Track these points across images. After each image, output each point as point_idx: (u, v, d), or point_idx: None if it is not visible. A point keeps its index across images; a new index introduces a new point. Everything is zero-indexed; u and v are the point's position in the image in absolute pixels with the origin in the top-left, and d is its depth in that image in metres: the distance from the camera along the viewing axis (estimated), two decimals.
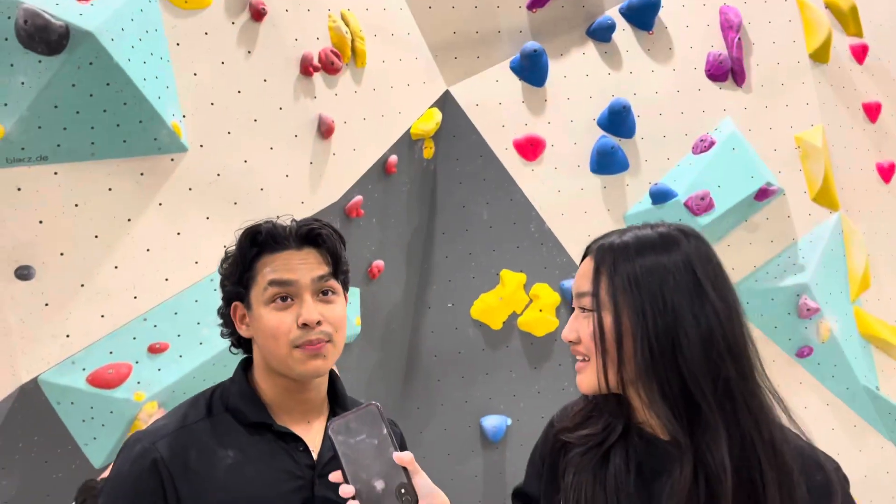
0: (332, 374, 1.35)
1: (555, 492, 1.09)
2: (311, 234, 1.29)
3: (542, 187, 4.35)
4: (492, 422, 4.18)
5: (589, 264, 1.05)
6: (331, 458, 1.23)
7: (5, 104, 2.67)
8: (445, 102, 4.22)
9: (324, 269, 1.28)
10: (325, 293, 1.28)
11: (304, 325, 1.22)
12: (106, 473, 2.18)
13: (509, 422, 4.20)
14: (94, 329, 2.88)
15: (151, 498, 1.17)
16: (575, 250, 4.31)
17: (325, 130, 3.50)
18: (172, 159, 3.11)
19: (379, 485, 1.06)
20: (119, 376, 2.82)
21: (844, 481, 0.98)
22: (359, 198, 3.64)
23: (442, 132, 4.23)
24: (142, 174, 3.05)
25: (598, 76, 4.41)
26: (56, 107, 2.72)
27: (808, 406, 4.33)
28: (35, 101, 2.67)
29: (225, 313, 1.33)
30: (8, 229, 2.79)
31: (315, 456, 1.27)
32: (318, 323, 1.23)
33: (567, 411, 1.15)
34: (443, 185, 4.32)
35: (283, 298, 1.24)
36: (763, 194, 4.26)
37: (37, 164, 2.82)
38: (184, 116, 3.14)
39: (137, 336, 2.92)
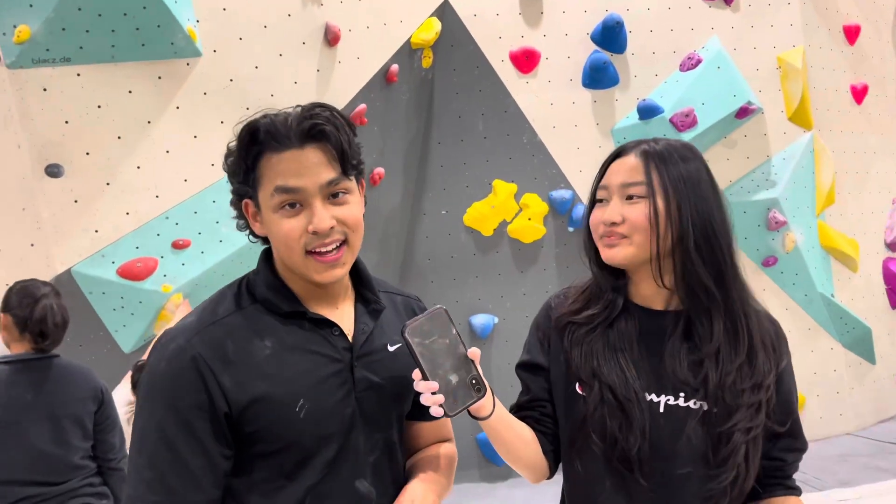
0: (358, 262, 1.28)
1: (562, 361, 1.30)
2: (313, 130, 1.12)
3: (535, 100, 4.51)
4: (480, 320, 4.50)
5: (635, 161, 1.24)
6: (366, 337, 1.22)
7: (31, 5, 2.74)
8: (444, 12, 4.29)
9: (332, 173, 1.13)
10: (336, 195, 1.14)
11: (314, 233, 1.12)
12: (145, 356, 2.41)
13: (496, 320, 4.52)
14: (120, 225, 3.07)
15: (194, 395, 1.09)
16: (564, 162, 4.52)
17: (331, 38, 3.60)
18: (188, 63, 3.22)
19: (454, 378, 1.13)
20: (147, 269, 3.03)
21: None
22: (363, 106, 3.78)
23: (440, 42, 4.33)
24: (160, 77, 3.16)
25: None
26: (79, 9, 2.80)
27: (769, 311, 4.71)
28: (60, 3, 2.74)
29: (238, 207, 1.20)
30: (37, 128, 2.91)
31: (351, 339, 1.20)
32: (330, 228, 1.13)
33: (563, 297, 1.36)
34: (440, 96, 4.46)
35: (292, 205, 1.12)
36: (743, 112, 4.47)
37: (61, 66, 2.92)
38: (198, 21, 3.22)
39: (161, 233, 3.11)
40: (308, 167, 1.12)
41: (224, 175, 1.21)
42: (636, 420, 1.20)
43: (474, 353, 1.15)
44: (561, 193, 4.50)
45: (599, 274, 1.32)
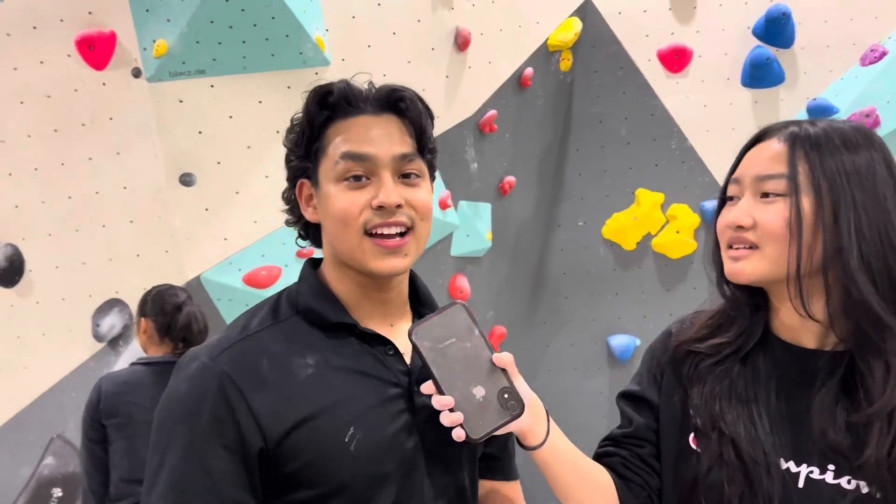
0: (410, 273, 1.11)
1: (678, 403, 1.04)
2: (391, 98, 1.04)
3: (686, 101, 4.12)
4: (619, 341, 4.17)
5: (778, 146, 0.96)
6: (423, 363, 1.00)
7: (168, 20, 2.83)
8: (586, 11, 4.03)
9: (408, 146, 1.02)
10: (408, 176, 1.02)
11: (381, 208, 0.97)
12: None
13: (638, 342, 4.17)
14: (248, 233, 3.11)
15: (215, 422, 0.90)
16: (719, 170, 4.09)
17: (461, 42, 3.47)
18: (316, 73, 3.21)
19: (479, 392, 0.91)
20: (271, 277, 3.05)
21: None
22: (493, 112, 3.62)
23: (581, 43, 4.07)
24: (288, 87, 3.17)
25: None
26: (212, 22, 2.86)
27: None
28: (194, 17, 2.81)
29: (290, 196, 1.08)
30: (172, 138, 3.02)
31: (408, 359, 1.03)
32: (399, 207, 0.98)
33: (688, 322, 1.08)
34: (579, 99, 4.19)
35: (358, 177, 0.99)
36: None
37: (195, 77, 3.00)
38: (327, 30, 3.21)
39: (286, 242, 3.11)
40: (383, 135, 1.01)
41: None
42: (762, 491, 0.92)
43: (501, 359, 0.92)
44: (714, 204, 4.06)
45: (730, 293, 1.04)
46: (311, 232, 1.12)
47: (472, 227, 3.68)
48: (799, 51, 4.09)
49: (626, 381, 4.17)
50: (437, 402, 0.91)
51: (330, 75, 3.23)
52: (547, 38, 3.89)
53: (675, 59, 4.12)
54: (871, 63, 3.98)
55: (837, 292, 0.91)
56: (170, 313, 2.29)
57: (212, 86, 3.05)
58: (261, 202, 3.13)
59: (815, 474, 0.91)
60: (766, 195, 0.94)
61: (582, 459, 1.05)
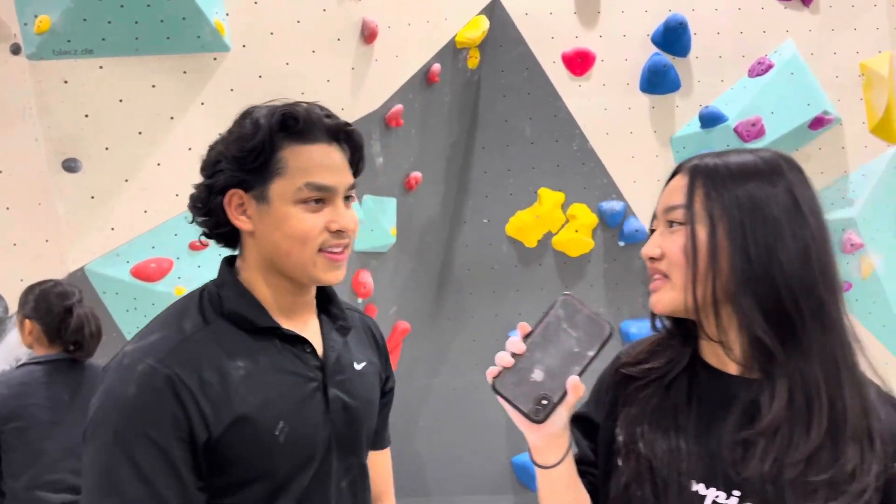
0: None
1: (611, 424, 1.07)
2: (343, 129, 1.13)
3: (588, 104, 4.24)
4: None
5: (682, 180, 1.00)
6: (337, 354, 1.17)
7: None
8: (494, 10, 4.07)
9: (351, 176, 1.14)
10: (348, 198, 1.15)
11: (338, 231, 1.10)
12: None
13: None
14: (137, 223, 2.97)
15: (171, 419, 0.99)
16: (617, 172, 4.23)
17: (368, 35, 3.43)
18: (215, 58, 3.10)
19: (537, 375, 0.94)
20: (161, 270, 2.92)
21: None
22: (399, 106, 3.60)
23: (488, 41, 4.11)
24: (185, 72, 3.04)
25: None
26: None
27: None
28: None
29: (210, 200, 1.13)
30: (56, 121, 2.84)
31: (322, 355, 1.15)
32: (348, 229, 1.13)
33: (635, 346, 1.11)
34: (486, 98, 4.24)
35: (318, 201, 1.10)
36: (818, 123, 4.08)
37: (82, 58, 2.84)
38: (227, 14, 3.10)
39: (179, 233, 2.99)
40: (338, 166, 1.12)
41: None
42: None
43: (574, 383, 0.93)
44: (612, 205, 4.21)
45: (660, 324, 1.06)
46: (223, 238, 1.19)
47: (376, 221, 3.66)
48: (694, 60, 4.28)
49: None
50: (512, 343, 0.97)
51: (230, 62, 3.13)
52: (455, 35, 3.90)
53: (579, 63, 4.22)
54: (758, 75, 4.21)
55: (736, 319, 0.95)
56: (58, 315, 2.14)
57: (101, 67, 2.89)
58: (152, 191, 2.99)
59: (721, 499, 0.93)
60: (671, 225, 0.97)
61: (581, 487, 1.05)
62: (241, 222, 1.13)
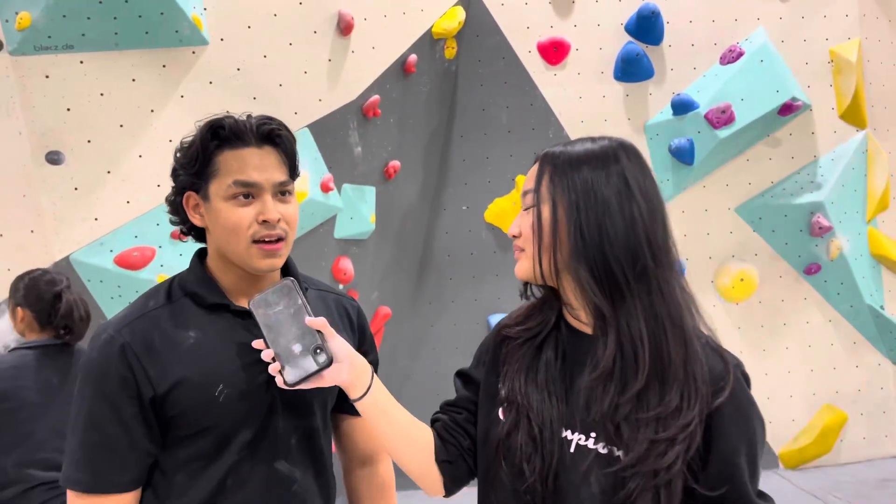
0: (288, 258, 1.38)
1: (493, 380, 1.19)
2: (271, 134, 1.26)
3: (563, 93, 4.33)
4: (498, 320, 4.36)
5: (535, 167, 1.14)
6: (256, 325, 1.25)
7: None
8: (470, 1, 4.16)
9: (284, 174, 1.27)
10: (283, 194, 1.27)
11: (265, 222, 1.23)
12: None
13: None
14: (120, 214, 3.06)
15: (120, 379, 1.20)
16: None
17: (344, 27, 3.51)
18: (194, 52, 3.18)
19: (296, 348, 1.14)
20: (144, 259, 3.02)
21: (744, 377, 1.07)
22: (376, 97, 3.69)
23: (465, 32, 4.19)
24: (164, 66, 3.13)
25: None
26: None
27: (809, 321, 4.42)
28: None
29: (175, 201, 1.30)
30: (38, 115, 2.92)
31: None
32: (278, 220, 1.24)
33: (514, 312, 1.23)
34: (463, 87, 4.32)
35: (246, 196, 1.23)
36: (787, 109, 4.18)
37: (63, 53, 2.92)
38: (205, 9, 3.18)
39: (161, 222, 3.08)
40: (266, 165, 1.26)
41: None
42: (546, 453, 1.07)
43: (313, 322, 1.13)
44: None
45: (530, 291, 1.20)
46: (194, 232, 1.34)
47: (355, 209, 3.75)
48: (667, 48, 4.37)
49: None
50: (263, 355, 1.16)
51: (209, 55, 3.21)
52: (431, 26, 3.98)
53: (554, 52, 4.31)
54: (729, 62, 4.30)
55: (575, 285, 1.08)
56: (48, 302, 2.23)
57: (81, 62, 2.97)
58: (134, 182, 3.08)
59: (582, 441, 1.06)
60: (527, 208, 1.09)
61: (402, 415, 1.20)
62: (196, 219, 1.29)
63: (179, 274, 1.34)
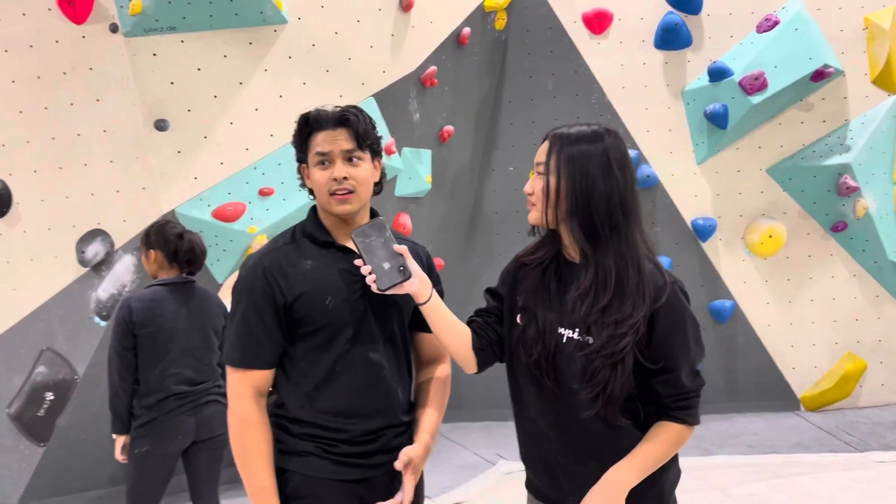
0: (373, 210, 1.80)
1: (513, 294, 1.65)
2: (342, 118, 1.68)
3: (605, 61, 4.64)
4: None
5: (546, 143, 1.57)
6: (357, 249, 1.69)
7: None
8: None
9: (351, 144, 1.67)
10: (351, 160, 1.67)
11: (335, 179, 1.65)
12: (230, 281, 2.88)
13: None
14: (215, 173, 3.53)
15: (262, 291, 1.66)
16: (631, 122, 4.65)
17: (405, 4, 3.88)
18: (275, 30, 3.60)
19: (386, 265, 1.59)
20: (236, 212, 3.50)
21: (681, 293, 1.51)
22: (433, 67, 4.07)
23: (514, 4, 4.52)
24: (250, 43, 3.56)
25: None
26: None
27: (835, 276, 4.72)
28: None
29: (298, 169, 1.78)
30: (148, 88, 3.40)
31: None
32: (345, 178, 1.65)
33: (528, 247, 1.68)
34: (512, 56, 4.66)
35: (323, 163, 1.67)
36: (819, 76, 4.42)
37: (167, 34, 3.37)
38: None
39: (249, 181, 3.56)
40: (336, 140, 1.69)
41: None
42: (548, 343, 1.54)
43: (401, 248, 1.60)
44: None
45: (537, 232, 1.65)
46: (311, 190, 1.80)
47: (413, 171, 4.17)
48: (705, 17, 4.62)
49: None
50: (362, 269, 1.61)
51: (288, 33, 3.63)
52: (483, 0, 4.33)
53: (598, 22, 4.61)
54: (765, 31, 4.54)
55: (568, 229, 1.53)
56: (173, 241, 2.72)
57: (182, 41, 3.42)
58: (226, 146, 3.55)
59: (570, 334, 1.52)
60: (539, 174, 1.51)
61: (451, 317, 1.67)
62: (307, 182, 1.77)
63: (300, 222, 1.80)
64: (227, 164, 3.55)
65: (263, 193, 3.56)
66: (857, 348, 4.75)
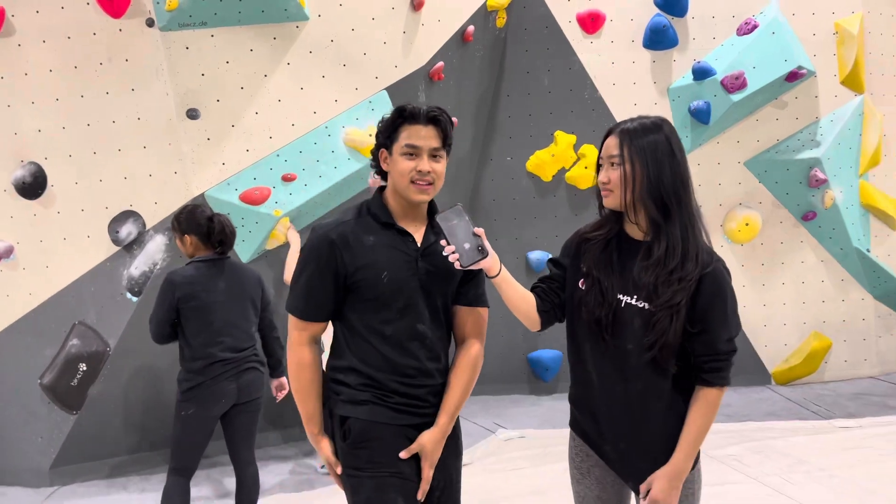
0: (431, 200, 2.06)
1: (576, 263, 1.91)
2: (434, 117, 1.89)
3: (598, 58, 4.96)
4: (536, 255, 5.09)
5: (615, 139, 1.81)
6: (428, 245, 1.93)
7: None
8: None
9: (438, 143, 1.89)
10: (435, 156, 1.89)
11: (420, 171, 1.86)
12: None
13: (549, 255, 5.09)
14: (242, 160, 3.78)
15: (327, 259, 1.87)
16: (621, 117, 4.90)
17: (416, 3, 4.15)
18: (297, 26, 3.85)
19: (466, 245, 1.77)
20: (262, 196, 3.76)
21: (725, 270, 1.80)
22: (441, 63, 4.35)
23: (514, 4, 4.81)
24: (274, 38, 3.81)
25: None
26: None
27: (804, 261, 5.12)
28: None
29: (375, 153, 1.97)
30: (180, 79, 3.63)
31: (419, 244, 1.95)
32: (428, 172, 1.87)
33: (591, 223, 1.96)
34: (511, 53, 4.96)
35: (411, 154, 1.87)
36: (793, 76, 4.79)
37: (199, 28, 3.61)
38: None
39: (273, 167, 3.81)
40: (426, 137, 1.91)
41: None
42: (608, 307, 1.81)
43: (478, 230, 1.83)
44: None
45: (605, 212, 1.92)
46: (381, 174, 2.00)
47: None
48: (690, 20, 4.96)
49: None
50: (447, 249, 1.79)
51: (309, 29, 3.88)
52: (486, 0, 4.62)
53: (591, 22, 4.93)
54: (744, 34, 4.90)
55: (642, 209, 1.82)
56: (205, 224, 2.97)
57: (212, 35, 3.65)
58: (252, 134, 3.80)
59: (629, 300, 1.79)
60: (613, 164, 1.81)
61: (518, 285, 1.91)
62: (384, 166, 1.98)
63: (367, 200, 2.01)
64: (252, 151, 3.81)
65: (286, 179, 3.82)
66: (823, 328, 5.16)
